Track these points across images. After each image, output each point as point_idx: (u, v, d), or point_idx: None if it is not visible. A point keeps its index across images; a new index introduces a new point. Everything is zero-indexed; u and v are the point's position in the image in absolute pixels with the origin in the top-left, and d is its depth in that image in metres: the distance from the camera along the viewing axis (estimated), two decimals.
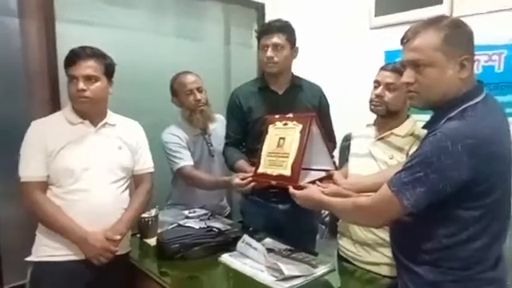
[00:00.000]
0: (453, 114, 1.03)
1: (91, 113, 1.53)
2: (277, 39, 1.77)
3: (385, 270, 1.50)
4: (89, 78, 1.46)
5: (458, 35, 1.03)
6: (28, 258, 1.47)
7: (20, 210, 1.67)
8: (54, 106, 1.92)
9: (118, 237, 1.48)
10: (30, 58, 1.92)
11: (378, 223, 1.22)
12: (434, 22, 1.05)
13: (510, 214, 1.10)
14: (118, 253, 1.49)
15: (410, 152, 1.46)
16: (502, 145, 1.01)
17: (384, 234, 1.48)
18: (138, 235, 1.82)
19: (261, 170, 1.55)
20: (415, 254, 1.11)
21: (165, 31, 2.50)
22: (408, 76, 1.09)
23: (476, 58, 1.09)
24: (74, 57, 1.46)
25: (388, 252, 1.45)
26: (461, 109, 1.02)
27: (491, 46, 2.00)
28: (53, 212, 1.43)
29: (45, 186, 1.46)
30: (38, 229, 1.50)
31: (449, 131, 0.98)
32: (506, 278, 1.12)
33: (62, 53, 1.65)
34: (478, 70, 2.02)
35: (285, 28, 1.80)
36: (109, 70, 1.54)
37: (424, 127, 1.16)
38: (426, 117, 1.17)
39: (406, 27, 1.12)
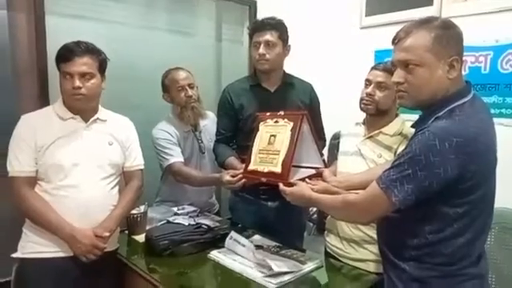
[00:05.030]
0: (441, 114, 1.05)
1: (84, 109, 1.52)
2: (269, 36, 1.78)
3: (371, 267, 1.52)
4: (84, 75, 1.45)
5: (448, 36, 1.05)
6: (14, 255, 1.45)
7: (6, 205, 1.65)
8: (43, 101, 1.90)
9: (107, 234, 1.47)
10: (19, 52, 1.88)
11: (367, 220, 1.24)
12: (425, 22, 1.07)
13: (492, 211, 1.13)
14: (106, 249, 1.49)
15: (398, 151, 1.48)
16: (487, 144, 1.04)
17: (371, 231, 1.50)
18: (127, 232, 1.81)
19: (251, 167, 1.56)
20: (401, 250, 1.13)
21: (156, 26, 2.48)
22: (398, 76, 1.10)
23: (463, 58, 1.11)
24: (69, 53, 1.44)
25: (374, 249, 1.47)
26: (449, 108, 1.05)
27: (478, 47, 2.04)
28: (41, 208, 1.41)
29: (33, 181, 1.45)
30: (26, 225, 1.49)
31: (437, 130, 1.00)
32: (487, 274, 1.16)
33: (52, 47, 1.63)
34: (464, 70, 2.06)
35: (277, 26, 1.80)
36: (102, 66, 1.53)
37: (412, 126, 1.18)
38: (414, 116, 1.19)
39: (396, 27, 1.13)
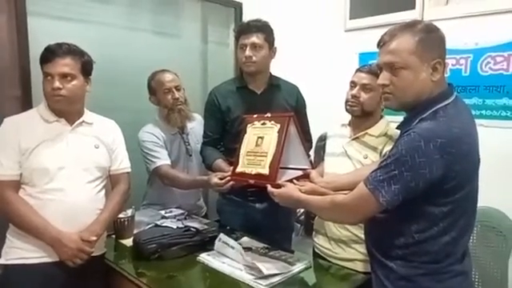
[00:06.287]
0: (425, 115, 1.08)
1: (67, 111, 1.50)
2: (255, 39, 1.79)
3: (359, 266, 1.54)
4: (64, 76, 1.43)
5: (431, 40, 1.08)
6: None
7: None
8: (26, 103, 1.86)
9: (94, 238, 1.45)
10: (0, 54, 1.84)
11: (355, 220, 1.26)
12: (410, 26, 1.10)
13: (475, 210, 1.16)
14: (93, 254, 1.46)
15: (384, 151, 1.51)
16: (470, 144, 1.07)
17: (358, 231, 1.52)
18: (114, 236, 1.79)
19: (239, 169, 1.56)
20: (389, 249, 1.15)
21: (142, 28, 2.46)
22: (384, 78, 1.13)
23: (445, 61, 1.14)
24: (50, 54, 1.42)
25: (362, 248, 1.49)
26: (433, 110, 1.07)
27: (459, 50, 2.09)
28: (26, 212, 1.39)
29: (17, 185, 1.42)
30: (9, 230, 1.45)
31: (422, 131, 1.02)
32: (470, 271, 1.20)
33: (35, 49, 1.60)
34: (446, 73, 2.11)
35: (263, 28, 1.82)
36: (86, 68, 1.51)
37: (398, 128, 1.21)
38: (399, 118, 1.22)
39: (380, 30, 1.16)
